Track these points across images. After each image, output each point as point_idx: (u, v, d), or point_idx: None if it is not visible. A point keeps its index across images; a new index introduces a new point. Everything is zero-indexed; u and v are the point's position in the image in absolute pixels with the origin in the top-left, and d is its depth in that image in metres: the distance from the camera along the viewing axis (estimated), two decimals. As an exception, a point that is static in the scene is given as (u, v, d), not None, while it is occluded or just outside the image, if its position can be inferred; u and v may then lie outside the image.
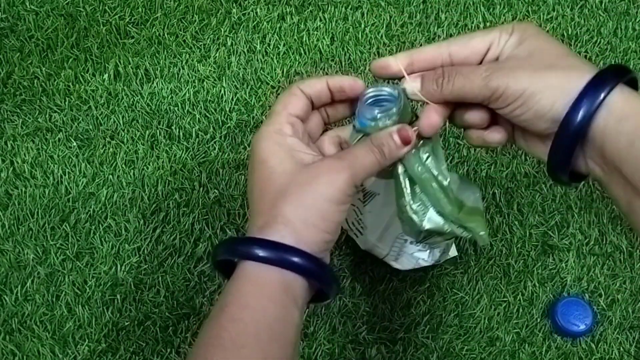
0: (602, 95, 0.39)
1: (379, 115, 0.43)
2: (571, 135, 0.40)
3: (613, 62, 0.65)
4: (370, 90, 0.45)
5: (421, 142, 0.45)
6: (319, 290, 0.45)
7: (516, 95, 0.40)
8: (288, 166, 0.42)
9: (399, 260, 0.54)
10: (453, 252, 0.58)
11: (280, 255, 0.41)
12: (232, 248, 0.43)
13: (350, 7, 0.66)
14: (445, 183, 0.45)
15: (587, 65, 0.41)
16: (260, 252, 0.41)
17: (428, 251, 0.54)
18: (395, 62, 0.44)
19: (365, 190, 0.52)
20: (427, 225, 0.46)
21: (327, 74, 0.64)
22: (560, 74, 0.40)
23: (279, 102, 0.46)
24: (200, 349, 0.40)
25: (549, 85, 0.40)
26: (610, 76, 0.39)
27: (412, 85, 0.44)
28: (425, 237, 0.49)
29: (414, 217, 0.46)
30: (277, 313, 0.40)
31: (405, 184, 0.45)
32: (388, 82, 0.47)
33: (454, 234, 0.46)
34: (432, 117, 0.44)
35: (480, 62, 0.45)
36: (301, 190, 0.41)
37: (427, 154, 0.45)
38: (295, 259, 0.41)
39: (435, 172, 0.45)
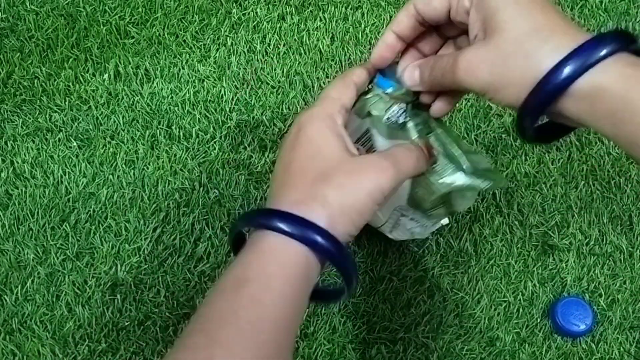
0: (556, 94, 0.36)
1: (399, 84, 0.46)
2: (526, 126, 0.39)
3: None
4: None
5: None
6: (329, 289, 0.44)
7: (482, 92, 0.39)
8: (336, 151, 0.41)
9: (393, 232, 0.54)
10: (444, 219, 0.58)
11: (314, 236, 0.38)
12: (258, 218, 0.40)
13: (350, 7, 0.66)
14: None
15: (557, 40, 0.37)
16: (292, 228, 0.38)
17: (423, 225, 0.54)
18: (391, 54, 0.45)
19: None
20: (448, 183, 0.47)
21: (326, 74, 0.64)
22: (520, 63, 0.37)
23: (335, 88, 0.45)
24: (211, 323, 0.37)
25: (510, 81, 0.38)
26: (575, 63, 0.35)
27: (409, 78, 0.45)
28: (436, 205, 0.49)
29: (433, 179, 0.47)
30: (295, 301, 0.38)
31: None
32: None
33: (472, 187, 0.47)
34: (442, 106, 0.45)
35: (449, 19, 0.43)
36: (347, 179, 0.40)
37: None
38: (326, 242, 0.38)
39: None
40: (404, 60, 0.47)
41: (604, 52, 0.35)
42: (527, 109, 0.38)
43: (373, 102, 0.48)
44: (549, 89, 0.36)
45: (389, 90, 0.47)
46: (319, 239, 0.38)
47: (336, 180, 0.40)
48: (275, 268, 0.38)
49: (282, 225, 0.38)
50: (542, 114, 0.38)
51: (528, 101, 0.37)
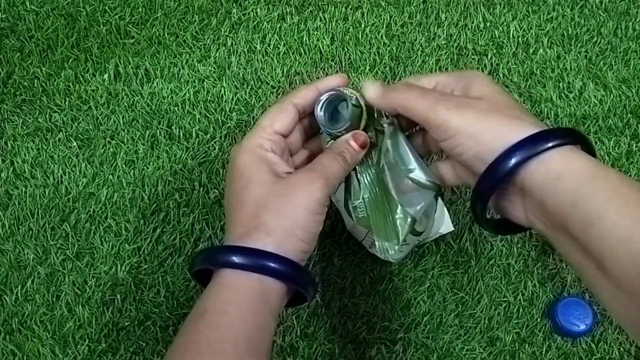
0: (538, 150, 0.38)
1: (329, 121, 0.48)
2: (493, 182, 0.40)
3: (613, 63, 0.65)
4: (323, 96, 0.48)
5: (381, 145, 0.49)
6: (295, 294, 0.46)
7: (458, 131, 0.41)
8: (266, 177, 0.44)
9: (372, 249, 0.54)
10: (448, 227, 0.58)
11: (262, 262, 0.41)
12: (211, 257, 0.43)
13: (350, 7, 0.66)
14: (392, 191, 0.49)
15: (533, 119, 0.41)
16: (241, 260, 0.41)
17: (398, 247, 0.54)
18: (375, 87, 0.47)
19: None
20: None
21: (327, 74, 0.64)
22: (504, 121, 0.40)
23: (267, 116, 0.47)
24: (176, 353, 0.40)
25: (491, 129, 0.40)
26: (553, 135, 0.39)
27: (371, 87, 0.47)
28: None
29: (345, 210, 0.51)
30: (255, 322, 0.40)
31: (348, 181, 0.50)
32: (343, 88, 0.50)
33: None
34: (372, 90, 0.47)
35: None
36: (281, 201, 0.43)
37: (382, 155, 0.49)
38: (276, 265, 0.41)
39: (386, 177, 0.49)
40: None
41: (555, 142, 0.38)
42: (491, 170, 0.40)
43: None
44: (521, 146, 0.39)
45: (330, 130, 0.49)
46: (267, 263, 0.41)
47: (272, 206, 0.42)
48: (230, 295, 0.41)
49: (231, 259, 0.41)
50: (505, 175, 0.39)
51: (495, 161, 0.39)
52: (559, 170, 0.38)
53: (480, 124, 0.40)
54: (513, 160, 0.38)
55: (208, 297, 0.41)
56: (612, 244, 0.35)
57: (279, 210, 0.42)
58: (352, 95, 0.48)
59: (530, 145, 0.38)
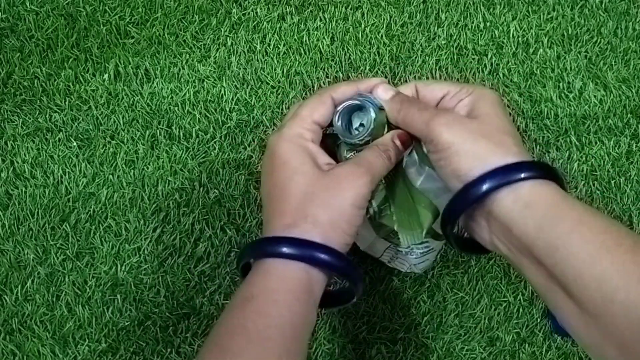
0: (510, 179, 0.40)
1: (347, 131, 0.48)
2: (465, 203, 0.42)
3: (613, 63, 0.65)
4: (340, 106, 0.48)
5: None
6: (340, 293, 0.47)
7: (444, 146, 0.42)
8: (309, 169, 0.44)
9: (392, 263, 0.54)
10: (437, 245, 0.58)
11: (310, 252, 0.41)
12: (259, 248, 0.43)
13: (350, 7, 0.66)
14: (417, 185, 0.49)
15: (518, 149, 0.42)
16: (291, 250, 0.41)
17: (422, 260, 0.54)
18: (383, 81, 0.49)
19: None
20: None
21: (327, 74, 0.64)
22: (489, 145, 0.42)
23: (307, 107, 0.47)
24: (222, 337, 0.40)
25: (475, 151, 0.42)
26: (527, 168, 0.41)
27: (383, 92, 0.48)
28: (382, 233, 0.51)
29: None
30: (301, 311, 0.41)
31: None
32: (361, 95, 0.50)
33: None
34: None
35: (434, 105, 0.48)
36: (328, 194, 0.43)
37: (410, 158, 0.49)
38: (325, 256, 0.42)
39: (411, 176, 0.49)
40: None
41: (525, 174, 0.40)
42: (469, 185, 0.41)
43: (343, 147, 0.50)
44: (503, 170, 0.41)
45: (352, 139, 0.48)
46: (316, 254, 0.41)
47: (319, 198, 0.43)
48: (279, 284, 0.41)
49: (280, 249, 0.41)
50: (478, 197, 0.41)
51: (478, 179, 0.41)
52: (528, 199, 0.40)
53: (467, 144, 0.42)
54: (486, 186, 0.41)
55: (254, 283, 0.42)
56: (577, 268, 0.37)
57: (326, 202, 0.43)
58: (374, 99, 0.48)
59: (505, 174, 0.40)
